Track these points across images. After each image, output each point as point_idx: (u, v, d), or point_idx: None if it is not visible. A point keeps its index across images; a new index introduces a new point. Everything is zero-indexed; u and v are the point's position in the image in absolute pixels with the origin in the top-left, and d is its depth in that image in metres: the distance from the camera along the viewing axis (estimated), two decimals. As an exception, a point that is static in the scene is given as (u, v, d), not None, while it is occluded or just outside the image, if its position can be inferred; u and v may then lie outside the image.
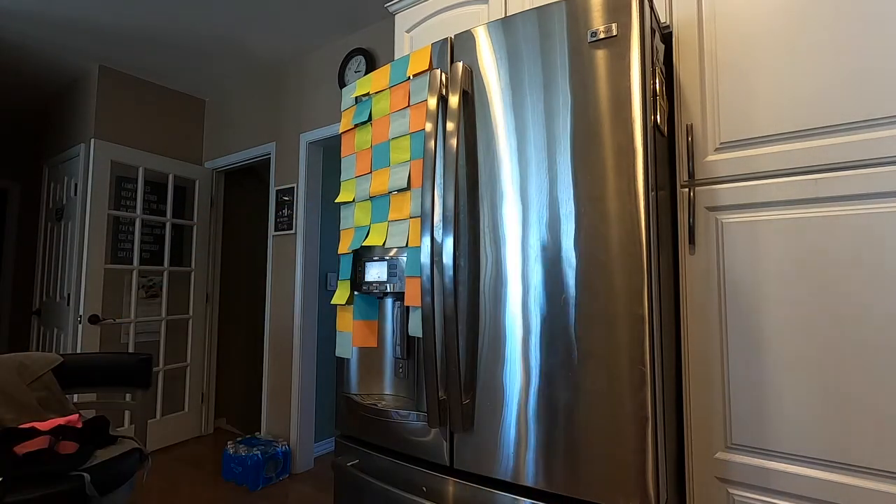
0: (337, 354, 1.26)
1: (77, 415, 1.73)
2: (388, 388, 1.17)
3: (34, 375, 1.82)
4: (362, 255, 1.19)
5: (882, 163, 0.85)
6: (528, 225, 0.95)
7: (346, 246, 1.24)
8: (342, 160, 1.31)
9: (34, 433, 1.53)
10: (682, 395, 1.02)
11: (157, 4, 2.44)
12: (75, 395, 2.69)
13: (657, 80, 0.93)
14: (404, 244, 1.08)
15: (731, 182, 0.99)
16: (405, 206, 1.10)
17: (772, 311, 0.93)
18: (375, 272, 1.15)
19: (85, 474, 1.45)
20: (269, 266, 3.05)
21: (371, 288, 1.15)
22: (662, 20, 1.09)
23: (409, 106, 1.11)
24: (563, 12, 0.94)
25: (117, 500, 1.58)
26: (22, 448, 1.46)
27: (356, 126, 1.25)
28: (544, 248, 0.92)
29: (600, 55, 0.89)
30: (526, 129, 0.97)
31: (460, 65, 1.04)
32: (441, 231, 1.01)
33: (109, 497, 1.52)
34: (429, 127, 1.03)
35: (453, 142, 1.00)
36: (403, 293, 1.07)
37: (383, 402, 1.14)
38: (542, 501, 0.89)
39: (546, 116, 0.94)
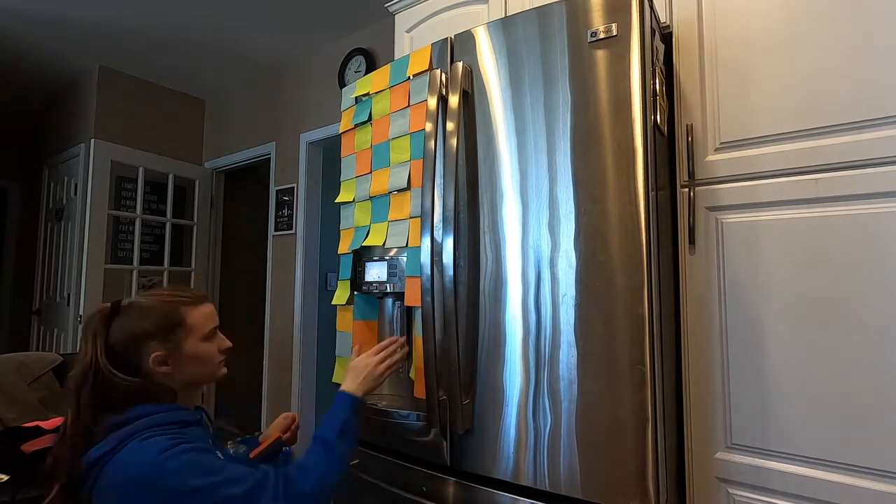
0: (337, 355, 1.25)
1: (77, 414, 1.73)
2: (387, 388, 1.17)
3: (34, 375, 1.82)
4: (362, 255, 1.19)
5: (882, 163, 0.85)
6: (528, 225, 0.94)
7: (346, 246, 1.24)
8: (342, 160, 1.31)
9: (39, 431, 1.53)
10: (682, 395, 1.02)
11: (156, 4, 2.44)
12: (75, 395, 2.68)
13: (657, 80, 0.93)
14: (404, 244, 1.08)
15: (731, 182, 0.99)
16: (405, 206, 1.10)
17: (772, 310, 0.93)
18: (375, 272, 1.15)
19: None
20: (269, 266, 3.05)
21: (371, 288, 1.15)
22: (662, 20, 1.09)
23: (409, 106, 1.11)
24: (563, 12, 0.94)
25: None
26: (30, 446, 1.46)
27: (356, 126, 1.25)
28: (544, 248, 0.92)
29: (600, 55, 0.89)
30: (526, 129, 0.97)
31: (460, 65, 1.04)
32: (441, 231, 1.01)
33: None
34: (429, 127, 1.03)
35: (453, 142, 1.00)
36: (403, 293, 1.07)
37: (383, 402, 1.14)
38: (541, 501, 0.89)
39: (546, 116, 0.94)
